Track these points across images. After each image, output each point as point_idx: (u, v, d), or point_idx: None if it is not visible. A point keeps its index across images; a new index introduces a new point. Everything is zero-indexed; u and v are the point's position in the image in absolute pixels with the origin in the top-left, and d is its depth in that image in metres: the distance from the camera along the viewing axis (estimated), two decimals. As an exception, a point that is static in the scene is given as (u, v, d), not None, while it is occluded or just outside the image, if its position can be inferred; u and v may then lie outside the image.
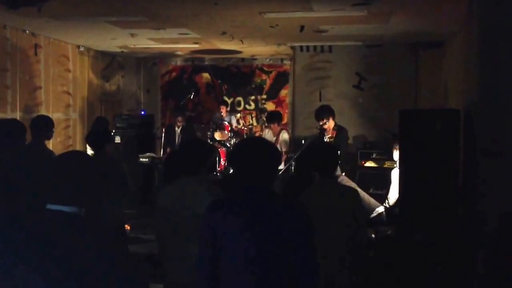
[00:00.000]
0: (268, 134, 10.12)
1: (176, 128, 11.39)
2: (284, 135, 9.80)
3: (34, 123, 6.50)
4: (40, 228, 2.80)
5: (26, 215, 2.99)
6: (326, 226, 4.47)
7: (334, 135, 8.42)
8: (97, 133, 6.85)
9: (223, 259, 3.17)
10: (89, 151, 9.33)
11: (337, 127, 8.52)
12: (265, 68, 13.95)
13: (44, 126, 6.46)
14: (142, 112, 13.03)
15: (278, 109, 13.64)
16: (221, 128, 11.85)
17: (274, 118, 10.10)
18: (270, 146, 3.38)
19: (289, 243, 3.13)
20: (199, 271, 3.25)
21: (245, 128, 12.64)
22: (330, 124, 8.46)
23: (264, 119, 12.79)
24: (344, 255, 4.70)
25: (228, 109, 12.47)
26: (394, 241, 5.51)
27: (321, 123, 8.48)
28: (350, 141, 9.19)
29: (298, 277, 3.15)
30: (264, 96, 13.95)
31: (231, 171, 8.82)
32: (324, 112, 8.52)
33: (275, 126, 9.94)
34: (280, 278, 3.14)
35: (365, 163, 9.75)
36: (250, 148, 3.35)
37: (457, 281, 5.50)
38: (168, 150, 11.40)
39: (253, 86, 13.97)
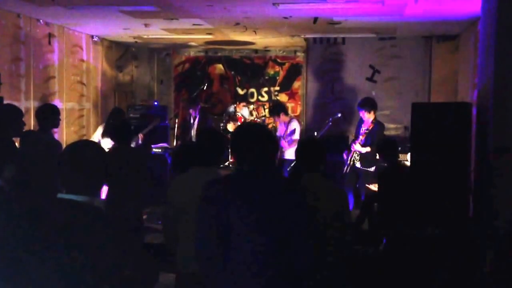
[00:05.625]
0: (282, 127, 10.10)
1: (191, 120, 11.40)
2: (294, 124, 9.75)
3: (40, 112, 6.52)
4: (51, 217, 2.81)
5: (37, 204, 3.01)
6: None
7: (370, 127, 8.67)
8: (118, 126, 6.79)
9: (225, 240, 3.22)
10: (106, 144, 9.41)
11: (376, 121, 8.77)
12: (279, 60, 13.92)
13: (50, 114, 6.47)
14: (155, 103, 13.05)
15: (291, 101, 13.63)
16: (234, 119, 11.85)
17: (274, 111, 10.06)
18: (265, 130, 3.51)
19: (288, 221, 3.20)
20: (200, 250, 3.32)
21: (258, 120, 12.63)
22: (369, 116, 8.74)
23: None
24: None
25: (244, 104, 12.42)
26: (403, 236, 5.49)
27: (361, 114, 8.86)
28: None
29: (296, 254, 3.22)
30: (277, 88, 13.92)
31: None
32: (368, 104, 8.83)
33: (282, 117, 9.87)
34: (280, 255, 3.22)
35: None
36: (246, 133, 3.45)
37: (463, 279, 5.48)
38: (178, 142, 11.44)
39: (266, 77, 13.95)
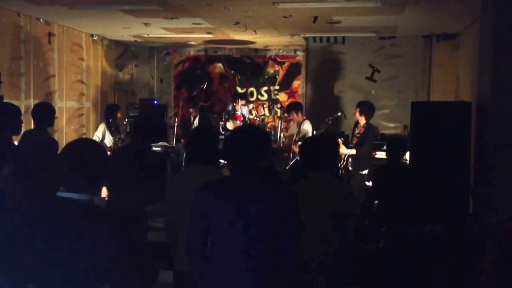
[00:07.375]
0: (294, 126, 10.10)
1: (191, 119, 11.40)
2: (305, 126, 9.74)
3: (35, 110, 6.51)
4: (51, 216, 2.82)
5: (36, 203, 3.01)
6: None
7: (362, 131, 8.67)
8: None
9: (213, 237, 3.29)
10: (106, 143, 9.39)
11: (368, 125, 8.72)
12: (278, 59, 13.92)
13: (46, 113, 6.45)
14: (155, 102, 13.04)
15: (290, 100, 13.63)
16: (234, 118, 11.83)
17: (292, 108, 10.00)
18: (257, 132, 3.53)
19: (276, 221, 3.22)
20: (190, 241, 3.43)
21: (258, 119, 12.62)
22: (361, 118, 8.71)
23: (278, 110, 12.79)
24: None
25: (244, 102, 12.41)
26: (403, 233, 5.50)
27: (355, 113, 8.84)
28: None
29: (283, 253, 3.26)
30: (277, 87, 13.92)
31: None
32: (361, 105, 8.83)
33: (295, 117, 9.84)
34: (265, 253, 3.28)
35: (376, 154, 9.72)
36: (236, 138, 3.50)
37: (463, 276, 5.49)
38: (181, 140, 11.41)
39: (266, 76, 13.94)
